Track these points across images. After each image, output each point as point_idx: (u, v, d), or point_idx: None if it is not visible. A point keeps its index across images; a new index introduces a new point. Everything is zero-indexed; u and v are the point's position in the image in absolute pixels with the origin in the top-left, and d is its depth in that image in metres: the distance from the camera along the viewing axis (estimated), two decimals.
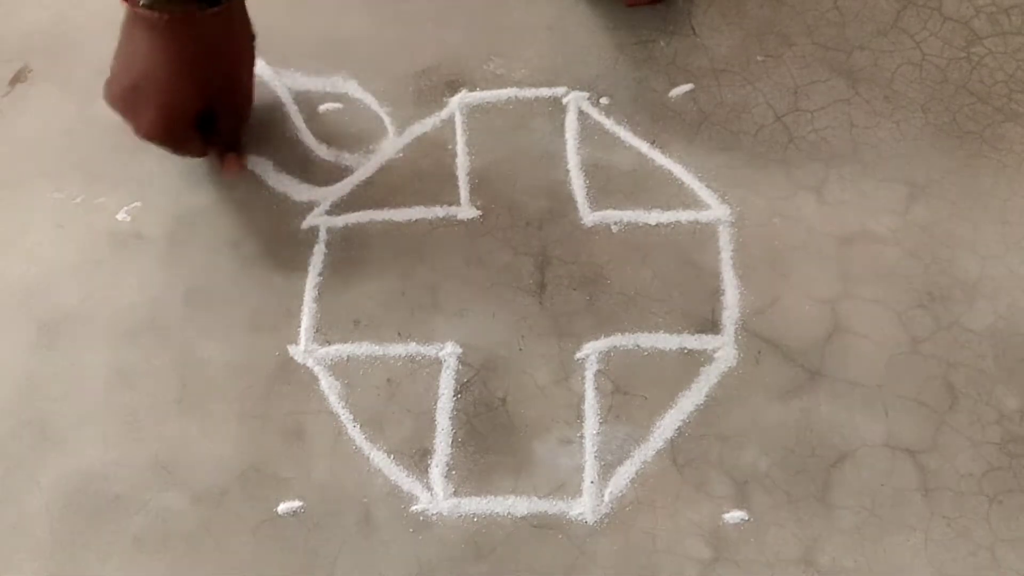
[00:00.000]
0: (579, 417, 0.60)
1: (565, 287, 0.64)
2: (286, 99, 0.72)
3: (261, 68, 0.73)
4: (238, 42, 0.63)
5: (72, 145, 0.71)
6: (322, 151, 0.70)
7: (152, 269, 0.66)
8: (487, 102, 0.71)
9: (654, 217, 0.66)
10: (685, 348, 0.62)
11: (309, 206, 0.68)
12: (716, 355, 0.61)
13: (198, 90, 0.61)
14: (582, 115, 0.70)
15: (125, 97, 0.61)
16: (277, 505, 0.58)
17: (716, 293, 0.63)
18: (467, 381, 0.62)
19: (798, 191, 0.66)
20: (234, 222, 0.68)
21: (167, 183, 0.69)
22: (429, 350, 0.63)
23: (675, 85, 0.70)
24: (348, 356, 0.63)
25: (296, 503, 0.58)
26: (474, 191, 0.67)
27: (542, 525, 0.57)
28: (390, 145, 0.70)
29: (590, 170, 0.68)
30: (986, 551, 0.55)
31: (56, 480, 0.60)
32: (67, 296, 0.66)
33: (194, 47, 0.59)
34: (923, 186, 0.65)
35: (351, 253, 0.66)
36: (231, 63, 0.63)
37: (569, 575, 0.56)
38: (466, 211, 0.67)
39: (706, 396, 0.60)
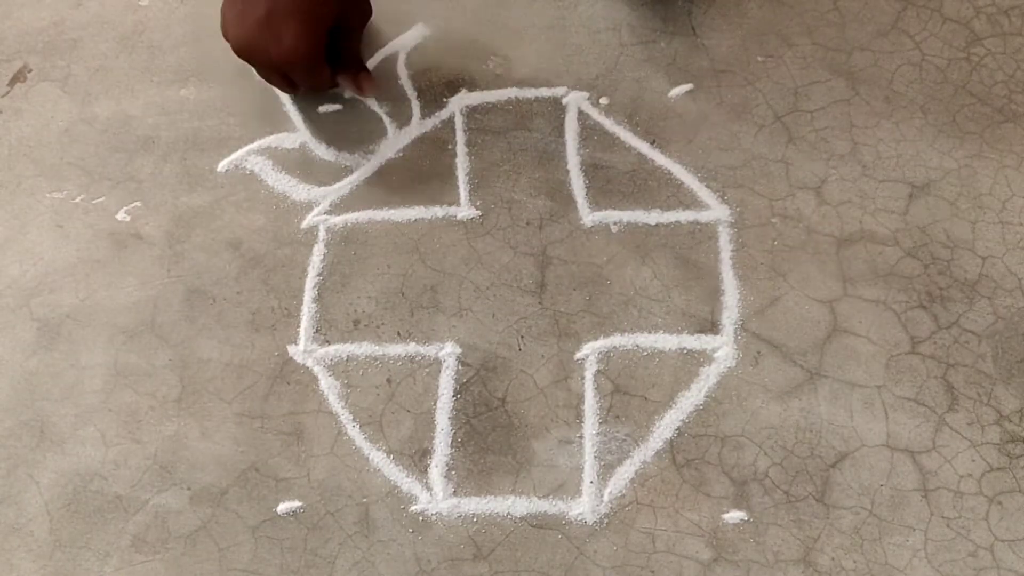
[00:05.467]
0: (579, 417, 0.60)
1: (565, 287, 0.64)
2: (285, 99, 0.72)
3: None
4: None
5: (72, 145, 0.71)
6: (322, 151, 0.70)
7: (152, 269, 0.66)
8: (487, 102, 0.71)
9: (654, 217, 0.66)
10: (685, 348, 0.62)
11: (309, 206, 0.68)
12: (716, 355, 0.61)
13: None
14: (582, 115, 0.70)
15: (260, 26, 0.62)
16: (277, 505, 0.58)
17: (716, 293, 0.63)
18: (467, 381, 0.62)
19: (798, 191, 0.66)
20: (234, 222, 0.68)
21: (167, 183, 0.69)
22: (429, 350, 0.63)
23: (675, 85, 0.70)
24: (348, 356, 0.63)
25: (296, 503, 0.58)
26: (474, 191, 0.67)
27: (542, 525, 0.57)
28: (390, 145, 0.70)
29: (590, 170, 0.68)
30: (986, 551, 0.55)
31: (56, 480, 0.60)
32: (67, 296, 0.66)
33: None
34: (923, 186, 0.65)
35: (351, 253, 0.66)
36: None
37: (569, 575, 0.56)
38: (466, 211, 0.67)
39: (706, 396, 0.60)
